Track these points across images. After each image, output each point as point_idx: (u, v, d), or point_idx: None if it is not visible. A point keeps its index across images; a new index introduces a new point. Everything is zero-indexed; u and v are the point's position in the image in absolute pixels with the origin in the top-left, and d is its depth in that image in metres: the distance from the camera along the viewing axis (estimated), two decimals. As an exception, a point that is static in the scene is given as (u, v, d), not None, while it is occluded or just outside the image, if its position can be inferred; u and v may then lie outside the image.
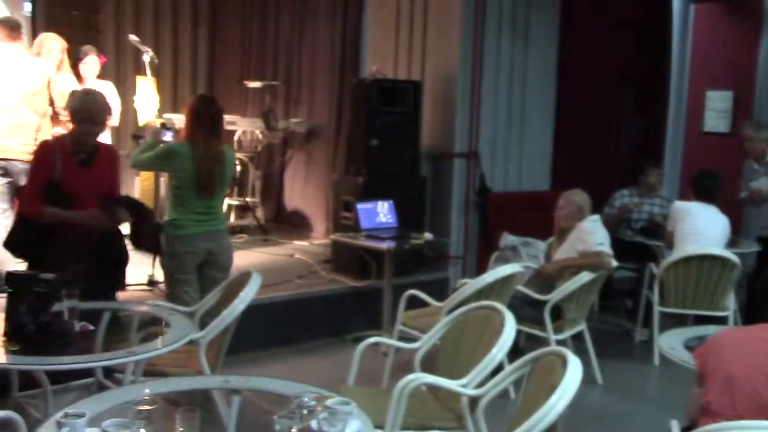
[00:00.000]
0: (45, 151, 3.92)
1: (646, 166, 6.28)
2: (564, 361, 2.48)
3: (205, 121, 4.19)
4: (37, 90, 5.15)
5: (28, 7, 8.81)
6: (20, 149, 5.05)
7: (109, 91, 6.33)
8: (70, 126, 4.16)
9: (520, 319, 3.44)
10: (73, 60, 6.11)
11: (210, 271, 4.28)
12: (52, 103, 5.29)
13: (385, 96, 6.21)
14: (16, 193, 5.02)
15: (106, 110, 3.97)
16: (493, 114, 6.68)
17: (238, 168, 7.35)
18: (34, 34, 7.76)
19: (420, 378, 3.03)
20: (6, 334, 2.97)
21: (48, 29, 6.58)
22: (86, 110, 3.86)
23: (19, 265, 4.87)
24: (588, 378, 3.72)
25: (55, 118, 5.38)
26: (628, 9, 7.30)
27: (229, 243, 4.42)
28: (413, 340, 3.87)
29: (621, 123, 7.57)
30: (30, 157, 4.76)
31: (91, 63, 6.22)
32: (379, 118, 6.17)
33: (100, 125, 3.95)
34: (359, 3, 7.36)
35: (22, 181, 4.96)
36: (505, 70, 6.73)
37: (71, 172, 3.82)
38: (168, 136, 5.71)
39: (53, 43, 5.66)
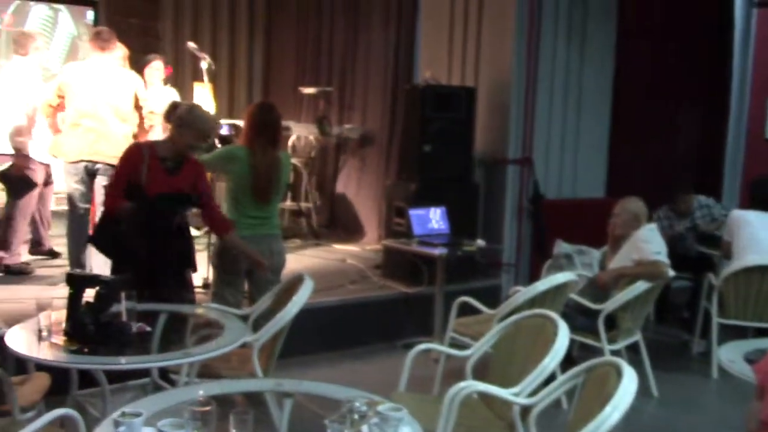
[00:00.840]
0: (133, 153, 3.98)
1: (677, 192, 6.10)
2: (618, 372, 2.44)
3: (264, 128, 4.25)
4: (124, 100, 5.34)
5: (90, 15, 9.11)
6: (106, 153, 5.24)
7: (172, 97, 6.52)
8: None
9: (573, 328, 3.40)
10: (138, 66, 6.30)
11: (260, 271, 4.33)
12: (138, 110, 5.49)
13: (439, 102, 6.21)
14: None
15: (213, 127, 4.13)
16: (547, 120, 6.62)
17: (292, 173, 7.42)
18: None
19: (471, 386, 3.01)
20: (66, 333, 3.05)
21: (109, 37, 6.77)
22: (203, 128, 3.94)
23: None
24: (643, 390, 3.66)
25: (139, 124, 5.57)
26: (688, 14, 7.16)
27: (280, 247, 4.45)
28: (465, 347, 3.85)
29: (679, 130, 7.41)
30: (115, 162, 5.02)
31: (156, 68, 6.39)
32: (433, 124, 6.17)
33: (203, 141, 4.03)
34: (413, 9, 7.38)
35: (104, 183, 5.23)
36: (560, 76, 6.66)
37: (155, 177, 3.86)
38: (224, 130, 5.85)
39: (116, 51, 5.85)
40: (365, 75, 7.97)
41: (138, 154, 3.93)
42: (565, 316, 3.40)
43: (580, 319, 4.56)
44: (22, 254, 5.93)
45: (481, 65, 6.62)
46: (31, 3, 8.75)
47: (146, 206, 3.79)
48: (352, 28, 8.13)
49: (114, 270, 4.00)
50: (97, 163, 5.28)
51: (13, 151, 5.89)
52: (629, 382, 2.37)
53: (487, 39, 6.57)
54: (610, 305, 4.56)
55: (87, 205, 5.45)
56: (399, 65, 7.50)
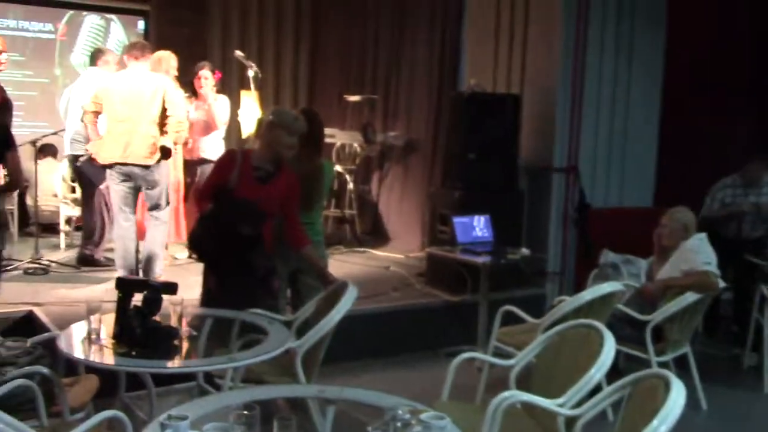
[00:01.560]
0: (226, 158, 4.15)
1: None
2: (666, 385, 2.40)
3: (307, 136, 4.23)
4: (152, 103, 5.55)
5: (141, 25, 9.30)
6: (137, 154, 5.51)
7: (223, 104, 6.64)
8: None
9: (619, 339, 3.34)
10: (189, 75, 6.46)
11: (304, 277, 4.34)
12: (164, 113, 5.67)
13: (483, 109, 6.18)
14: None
15: (301, 124, 4.07)
16: (593, 128, 6.54)
17: (336, 180, 7.46)
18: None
19: (515, 395, 2.98)
20: (115, 336, 3.11)
21: (159, 46, 6.94)
22: (293, 124, 4.00)
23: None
24: (692, 403, 3.58)
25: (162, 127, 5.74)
26: (740, 14, 7.02)
27: (322, 254, 4.45)
28: (508, 356, 3.82)
29: (732, 136, 7.26)
30: (145, 162, 5.50)
31: (205, 78, 6.54)
32: (477, 132, 6.14)
33: (295, 137, 4.03)
34: (458, 16, 7.37)
35: (142, 185, 5.59)
36: (607, 82, 6.57)
37: (246, 184, 3.94)
38: None
39: (172, 61, 6.15)
40: (410, 83, 7.99)
41: (231, 159, 4.05)
42: (611, 326, 3.35)
43: (627, 329, 4.49)
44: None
45: (527, 72, 6.58)
46: (84, 13, 8.97)
47: (218, 210, 3.90)
48: (397, 36, 8.15)
49: (205, 272, 4.09)
50: (130, 165, 5.52)
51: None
52: (677, 395, 2.33)
53: (533, 46, 6.53)
54: (657, 316, 4.48)
55: (129, 208, 5.66)
56: (444, 73, 7.49)
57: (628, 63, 6.65)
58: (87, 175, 6.34)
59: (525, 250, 5.53)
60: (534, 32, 6.52)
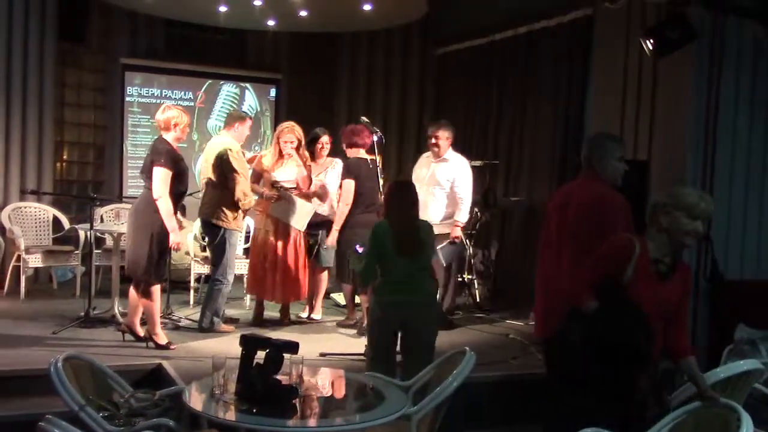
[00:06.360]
0: (624, 246, 3.43)
1: None
2: (813, 475, 2.21)
3: (395, 201, 4.51)
4: (213, 166, 6.18)
5: (272, 92, 9.77)
6: (203, 211, 6.25)
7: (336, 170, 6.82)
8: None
9: (759, 422, 3.12)
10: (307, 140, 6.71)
11: (406, 342, 4.37)
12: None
13: (609, 175, 6.03)
14: None
15: (706, 206, 3.40)
16: (727, 195, 6.24)
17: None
18: (277, 115, 8.58)
19: (642, 477, 2.83)
20: (237, 392, 3.18)
21: (288, 112, 7.27)
22: (694, 203, 3.37)
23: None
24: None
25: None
26: None
27: (428, 317, 4.49)
28: (634, 434, 3.62)
29: None
30: (206, 219, 6.20)
31: (325, 143, 6.77)
32: (602, 198, 5.99)
33: (698, 221, 3.38)
34: (583, 82, 7.31)
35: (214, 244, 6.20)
36: (741, 148, 6.28)
37: (643, 281, 3.35)
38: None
39: (288, 135, 6.42)
40: (532, 148, 7.95)
41: (629, 249, 3.39)
42: (749, 407, 3.14)
43: (767, 412, 4.18)
44: None
45: (655, 138, 6.40)
46: (221, 82, 9.52)
47: (607, 312, 3.35)
48: (520, 101, 8.16)
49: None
50: (201, 219, 6.32)
51: None
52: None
53: (661, 110, 6.37)
54: (801, 399, 4.16)
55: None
56: (567, 138, 7.42)
57: (764, 125, 6.36)
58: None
59: (653, 322, 5.28)
60: (662, 96, 6.36)
